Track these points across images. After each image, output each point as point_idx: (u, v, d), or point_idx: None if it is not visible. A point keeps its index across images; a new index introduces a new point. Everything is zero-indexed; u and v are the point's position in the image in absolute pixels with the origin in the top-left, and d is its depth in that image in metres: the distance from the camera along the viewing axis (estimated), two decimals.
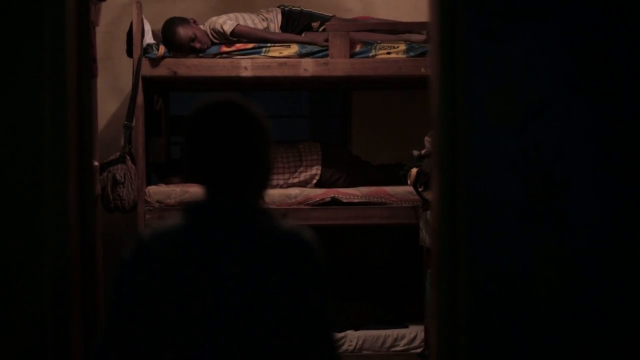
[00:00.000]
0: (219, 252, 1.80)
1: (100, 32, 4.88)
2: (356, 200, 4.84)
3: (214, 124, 1.88)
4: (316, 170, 5.04)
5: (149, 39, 4.77)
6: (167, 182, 5.11)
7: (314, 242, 1.86)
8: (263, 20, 4.98)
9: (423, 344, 4.92)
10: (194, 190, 4.87)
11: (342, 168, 5.07)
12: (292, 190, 4.88)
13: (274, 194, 4.82)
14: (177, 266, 1.80)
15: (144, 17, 4.74)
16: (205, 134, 1.87)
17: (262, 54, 4.79)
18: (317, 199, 4.79)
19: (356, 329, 5.08)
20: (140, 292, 1.80)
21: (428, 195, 4.10)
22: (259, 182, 1.91)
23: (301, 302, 1.81)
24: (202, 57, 4.78)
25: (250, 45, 4.80)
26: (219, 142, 1.86)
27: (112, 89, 5.59)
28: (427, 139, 4.23)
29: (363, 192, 4.87)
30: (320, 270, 1.84)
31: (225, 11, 5.30)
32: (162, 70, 4.76)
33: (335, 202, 4.79)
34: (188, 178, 1.94)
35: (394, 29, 5.00)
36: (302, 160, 5.05)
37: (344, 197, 4.82)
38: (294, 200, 4.74)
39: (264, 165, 1.89)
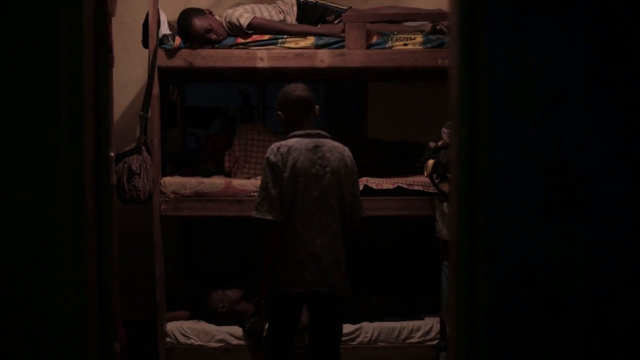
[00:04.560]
0: (322, 151, 3.96)
1: (116, 22, 4.88)
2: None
3: (290, 94, 4.05)
4: None
5: (164, 29, 4.77)
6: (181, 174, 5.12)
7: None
8: (280, 12, 4.97)
9: (439, 335, 4.91)
10: (209, 181, 4.88)
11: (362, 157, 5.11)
12: None
13: None
14: (303, 157, 3.91)
15: (160, 8, 4.74)
16: (285, 100, 4.06)
17: (279, 45, 4.78)
18: None
19: (371, 321, 5.06)
20: (284, 172, 3.89)
21: (444, 187, 4.08)
22: (314, 123, 4.08)
23: (353, 179, 4.07)
24: (218, 48, 4.78)
25: (267, 37, 4.79)
26: (293, 103, 4.03)
27: (128, 79, 5.59)
28: (444, 130, 4.21)
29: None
30: (354, 165, 4.10)
31: (242, 2, 5.29)
32: (178, 61, 4.76)
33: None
34: (286, 126, 4.10)
35: (411, 19, 4.97)
36: None
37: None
38: None
39: (313, 114, 4.08)
